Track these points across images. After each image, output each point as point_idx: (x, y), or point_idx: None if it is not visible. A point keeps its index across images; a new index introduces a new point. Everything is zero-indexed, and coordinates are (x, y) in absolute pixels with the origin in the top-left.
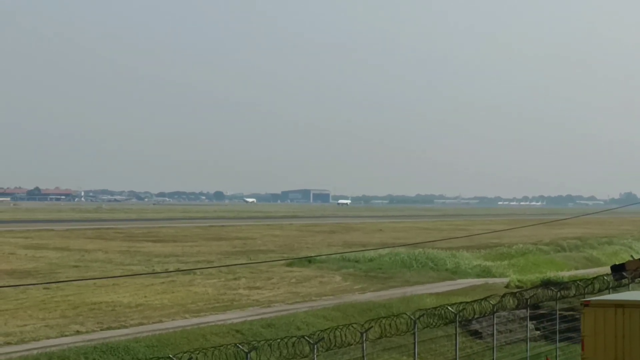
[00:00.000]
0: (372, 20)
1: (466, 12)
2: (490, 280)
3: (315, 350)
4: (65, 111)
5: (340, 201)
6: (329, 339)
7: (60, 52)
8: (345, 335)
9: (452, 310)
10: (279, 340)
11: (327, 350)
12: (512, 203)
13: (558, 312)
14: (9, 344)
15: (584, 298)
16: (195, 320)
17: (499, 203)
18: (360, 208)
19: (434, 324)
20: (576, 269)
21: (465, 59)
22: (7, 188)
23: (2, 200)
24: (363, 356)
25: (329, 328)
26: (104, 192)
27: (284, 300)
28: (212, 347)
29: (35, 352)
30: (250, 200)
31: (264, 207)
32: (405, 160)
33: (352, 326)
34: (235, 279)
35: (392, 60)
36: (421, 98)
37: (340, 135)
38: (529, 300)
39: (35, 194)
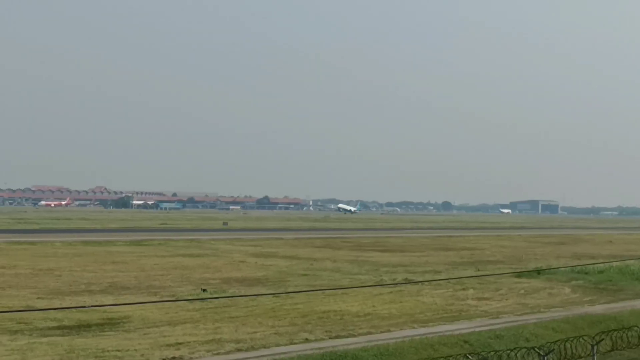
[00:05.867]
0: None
1: None
2: None
3: None
4: (293, 123)
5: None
6: (559, 350)
7: (298, 62)
8: (575, 347)
9: None
10: (508, 351)
11: None
12: None
13: None
14: (239, 350)
15: None
16: (423, 330)
17: None
18: (590, 219)
19: None
20: None
21: None
22: (238, 197)
23: (233, 209)
24: None
25: (558, 340)
26: (332, 201)
27: (512, 312)
28: (440, 357)
29: (265, 359)
30: (505, 211)
31: (501, 218)
32: (637, 170)
33: (583, 338)
34: (463, 289)
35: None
36: None
37: (569, 144)
38: None
39: (264, 203)
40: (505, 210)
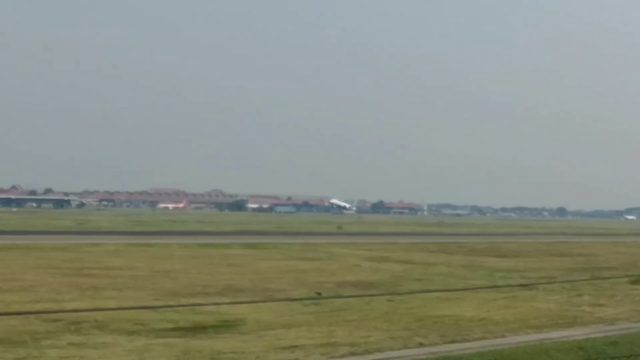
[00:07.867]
0: None
1: None
2: None
3: None
4: (409, 129)
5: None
6: None
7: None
8: None
9: None
10: (624, 358)
11: None
12: None
13: None
14: (353, 354)
15: None
16: (537, 336)
17: None
18: None
19: None
20: None
21: None
22: (353, 201)
23: (347, 213)
24: None
25: None
26: (447, 206)
27: (627, 318)
28: None
29: None
30: (630, 217)
31: (618, 224)
32: None
33: None
34: (578, 295)
35: None
36: None
37: None
38: None
39: (379, 207)
40: (630, 217)
